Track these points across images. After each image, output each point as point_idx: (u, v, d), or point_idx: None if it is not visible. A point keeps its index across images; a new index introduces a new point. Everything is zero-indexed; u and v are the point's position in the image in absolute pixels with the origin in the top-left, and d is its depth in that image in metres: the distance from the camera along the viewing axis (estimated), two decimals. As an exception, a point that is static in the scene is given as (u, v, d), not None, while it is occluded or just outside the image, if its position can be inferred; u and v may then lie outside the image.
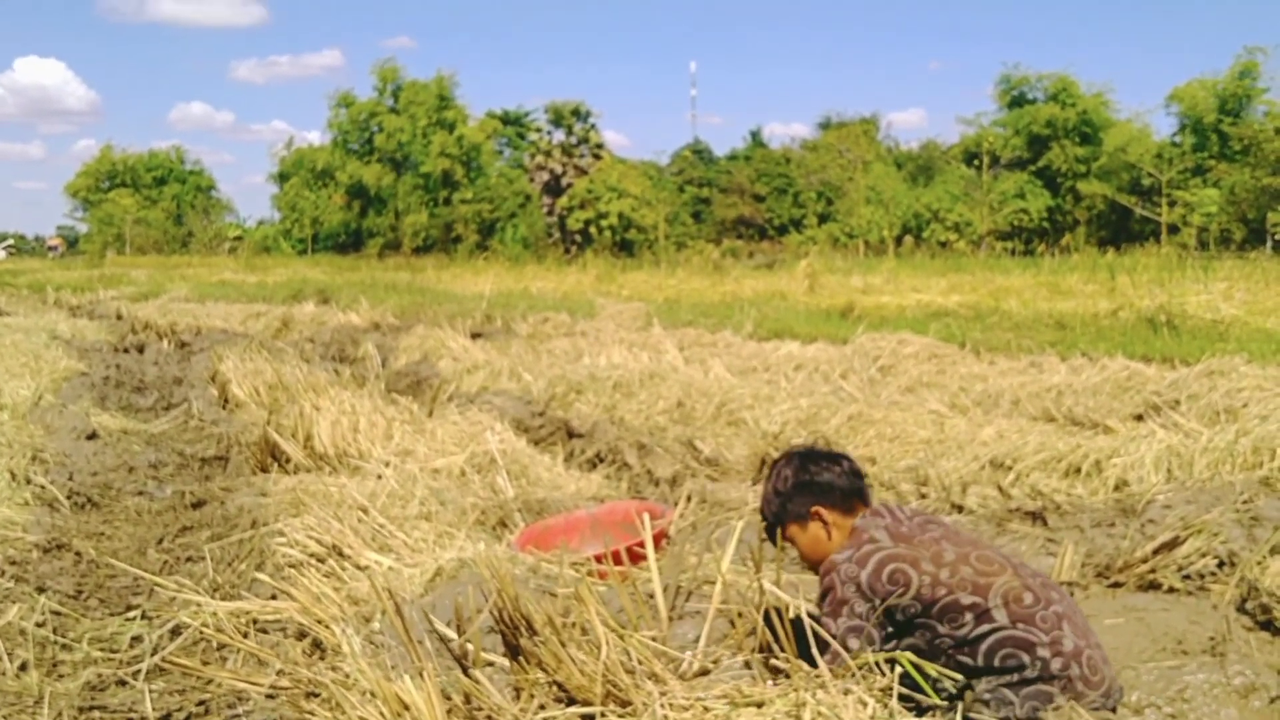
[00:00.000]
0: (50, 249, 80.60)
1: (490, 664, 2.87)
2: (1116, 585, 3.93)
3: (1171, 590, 3.78)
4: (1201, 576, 3.82)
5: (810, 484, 2.97)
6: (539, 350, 11.80)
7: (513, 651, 2.69)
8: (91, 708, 3.29)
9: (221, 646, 3.70)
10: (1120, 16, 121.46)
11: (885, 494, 5.83)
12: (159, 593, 4.25)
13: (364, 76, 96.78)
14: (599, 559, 3.84)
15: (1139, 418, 6.96)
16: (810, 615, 2.75)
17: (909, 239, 46.47)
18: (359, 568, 4.08)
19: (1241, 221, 41.35)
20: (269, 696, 3.23)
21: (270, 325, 17.26)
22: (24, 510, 5.41)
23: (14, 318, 18.18)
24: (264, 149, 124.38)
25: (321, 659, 3.38)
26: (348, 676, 2.93)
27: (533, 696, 2.58)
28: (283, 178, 60.98)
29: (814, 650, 2.53)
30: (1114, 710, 2.66)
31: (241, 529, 5.01)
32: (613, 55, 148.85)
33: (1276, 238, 39.35)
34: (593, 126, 56.26)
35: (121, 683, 3.49)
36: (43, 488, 5.84)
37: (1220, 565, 3.84)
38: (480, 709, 2.55)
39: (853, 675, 2.36)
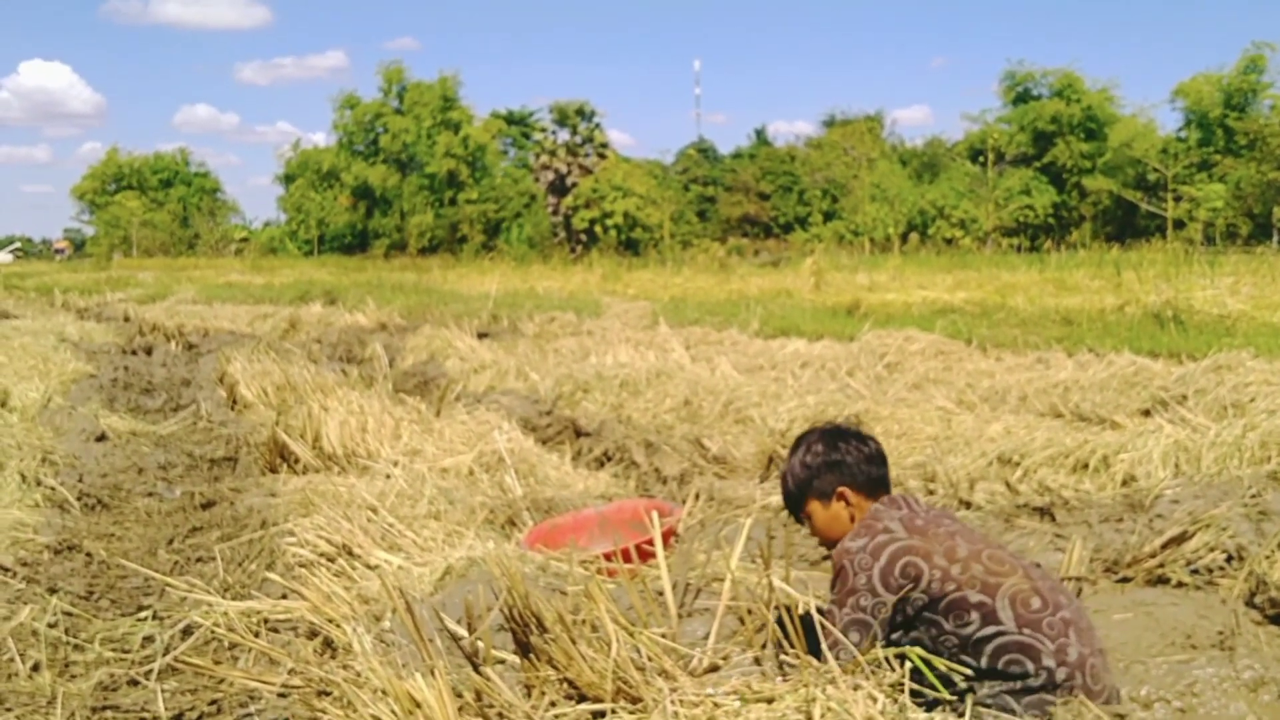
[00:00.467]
0: (57, 252, 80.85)
1: (501, 661, 2.88)
2: (1125, 580, 3.93)
3: (1180, 585, 3.78)
4: (1210, 571, 3.82)
5: (839, 463, 2.94)
6: (545, 350, 11.81)
7: (523, 649, 2.70)
8: (104, 708, 3.30)
9: (233, 646, 3.72)
10: (1125, 12, 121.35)
11: (893, 491, 5.83)
12: (170, 593, 4.26)
13: (368, 78, 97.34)
14: (608, 557, 3.85)
15: (1146, 413, 6.95)
16: (818, 607, 2.75)
17: (914, 236, 46.41)
18: (369, 567, 4.10)
19: (1247, 216, 41.25)
20: (281, 695, 3.24)
21: (277, 326, 17.30)
22: (35, 512, 5.44)
23: (22, 320, 18.24)
24: (269, 151, 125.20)
25: (333, 658, 3.39)
26: (359, 675, 2.94)
27: (543, 694, 2.59)
28: (288, 179, 61.11)
29: (821, 642, 2.53)
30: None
31: (251, 529, 5.03)
32: (617, 54, 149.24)
33: (1283, 232, 39.28)
34: (597, 126, 56.28)
35: (133, 683, 3.51)
36: (53, 489, 5.86)
37: (1229, 560, 3.84)
38: (491, 706, 2.56)
39: (862, 670, 2.36)
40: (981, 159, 49.17)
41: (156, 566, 4.77)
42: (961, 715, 2.42)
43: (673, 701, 2.34)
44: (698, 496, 5.35)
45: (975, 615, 2.58)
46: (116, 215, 65.18)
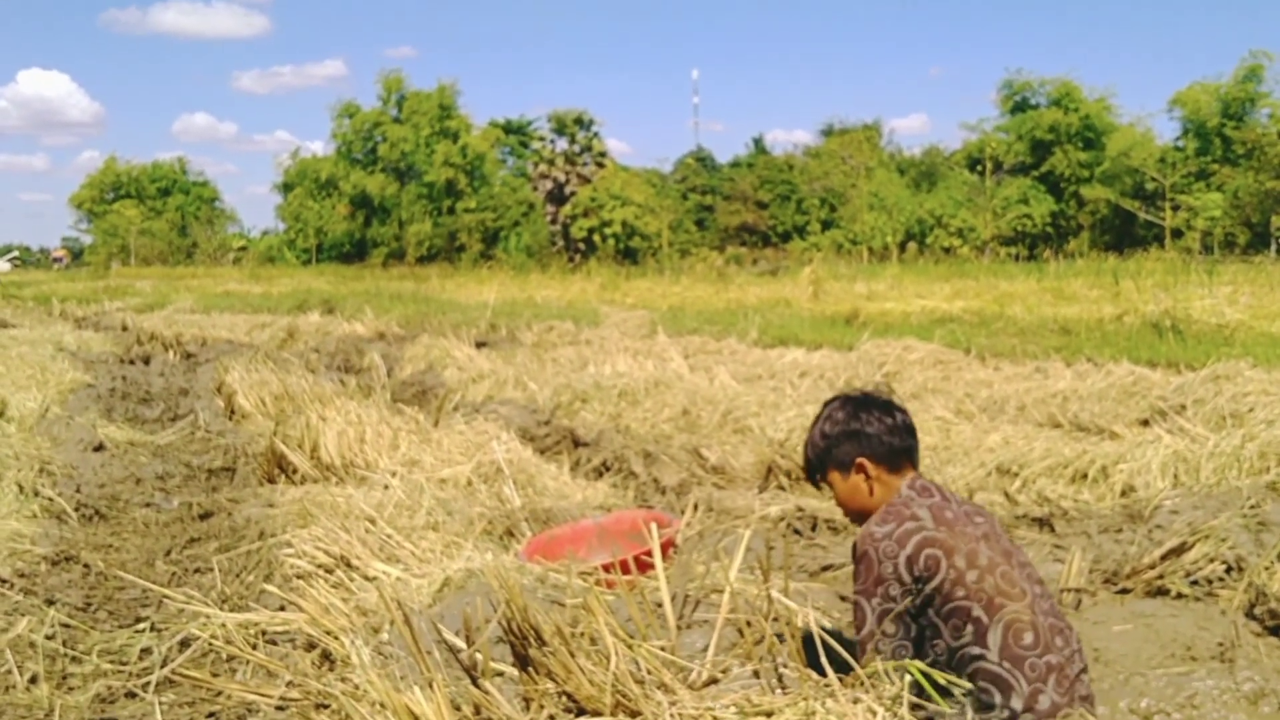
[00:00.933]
0: (55, 261, 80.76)
1: (499, 674, 2.87)
2: (1124, 591, 3.93)
3: (1180, 596, 3.78)
4: (1209, 582, 3.82)
5: (859, 434, 2.83)
6: (544, 359, 11.81)
7: (522, 662, 2.69)
8: (102, 720, 3.30)
9: (231, 658, 3.71)
10: (1122, 21, 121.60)
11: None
12: (168, 604, 4.25)
13: (366, 86, 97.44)
14: (606, 568, 3.84)
15: (1145, 423, 6.96)
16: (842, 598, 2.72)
17: (912, 245, 46.48)
18: (367, 578, 4.09)
19: (1245, 225, 41.31)
20: (279, 708, 3.23)
21: (275, 336, 17.29)
22: (32, 523, 5.43)
23: (20, 330, 18.24)
24: (268, 159, 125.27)
25: (331, 670, 3.38)
26: (357, 688, 2.93)
27: (542, 707, 2.58)
28: (287, 188, 61.08)
29: (821, 656, 2.51)
30: None
31: (249, 540, 5.02)
32: (615, 63, 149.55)
33: (1281, 241, 39.35)
34: (595, 135, 56.39)
35: (131, 695, 3.50)
36: (51, 500, 5.85)
37: (1228, 571, 3.84)
38: (490, 719, 2.55)
39: (861, 683, 2.36)
40: (979, 168, 49.23)
41: (154, 578, 4.76)
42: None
43: (672, 715, 2.34)
44: (696, 507, 5.34)
45: (970, 630, 2.52)
46: (114, 224, 65.14)
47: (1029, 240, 47.02)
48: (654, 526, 3.48)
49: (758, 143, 62.53)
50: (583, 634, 2.68)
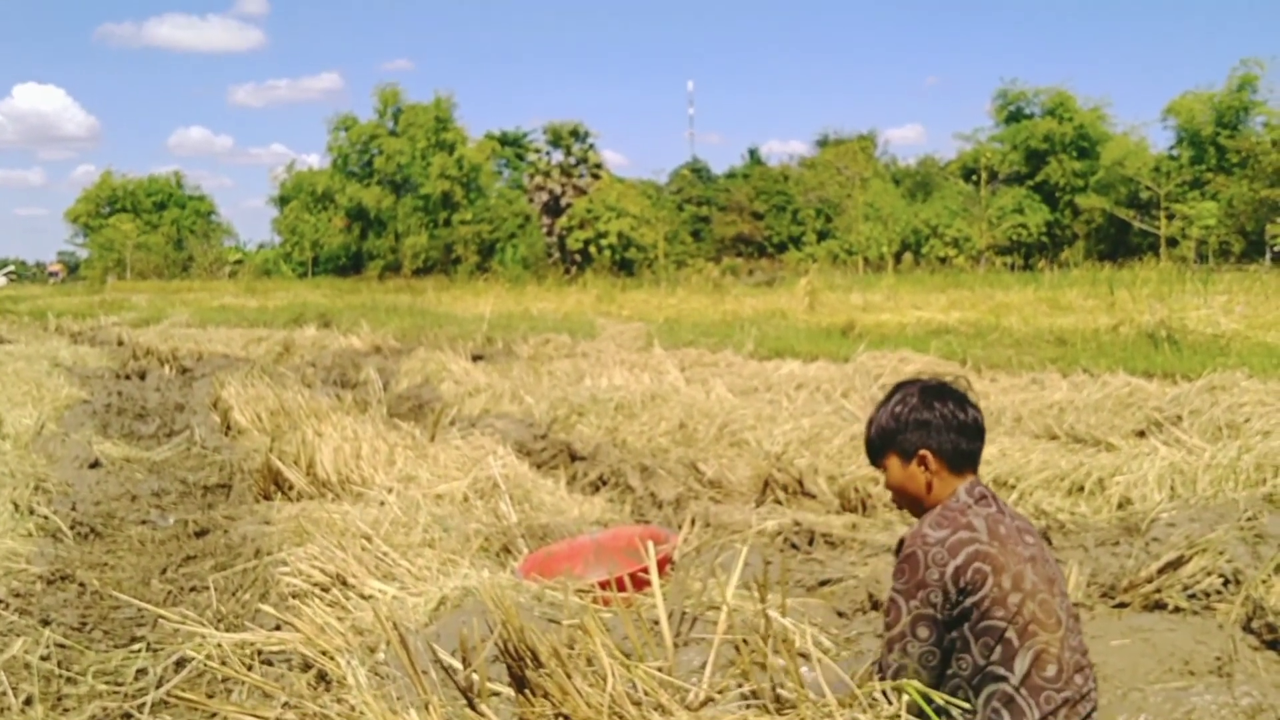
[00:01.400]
0: (51, 275, 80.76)
1: (496, 694, 2.86)
2: (1122, 605, 3.93)
3: (1177, 610, 3.77)
4: (1207, 596, 3.82)
5: (928, 424, 2.73)
6: (540, 372, 11.81)
7: (518, 683, 2.69)
8: (97, 742, 3.28)
9: (226, 679, 3.69)
10: (1116, 31, 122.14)
11: (889, 514, 5.83)
12: (163, 624, 4.24)
13: (362, 99, 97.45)
14: (604, 585, 3.83)
15: (1141, 434, 6.96)
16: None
17: (908, 255, 46.55)
18: (363, 597, 4.08)
19: (1240, 234, 41.42)
20: (275, 729, 3.21)
21: (271, 350, 17.27)
22: (27, 541, 5.41)
23: (15, 345, 18.19)
24: (263, 173, 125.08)
25: (327, 691, 3.37)
26: (353, 709, 2.92)
27: (539, 728, 2.57)
28: (283, 201, 61.14)
29: (886, 629, 2.47)
30: None
31: (245, 558, 5.01)
32: (610, 75, 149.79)
33: (1275, 250, 39.39)
34: (591, 146, 56.48)
35: (127, 716, 3.49)
36: (46, 518, 5.84)
37: (1225, 584, 3.84)
38: (486, 741, 2.54)
39: (859, 703, 2.35)
40: (974, 178, 49.34)
41: (150, 597, 4.74)
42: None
43: (669, 736, 2.33)
44: (693, 521, 5.34)
45: (999, 652, 2.46)
46: (110, 238, 65.11)
47: (1024, 250, 47.12)
48: (650, 545, 3.47)
49: (753, 154, 62.77)
50: (580, 654, 2.68)
